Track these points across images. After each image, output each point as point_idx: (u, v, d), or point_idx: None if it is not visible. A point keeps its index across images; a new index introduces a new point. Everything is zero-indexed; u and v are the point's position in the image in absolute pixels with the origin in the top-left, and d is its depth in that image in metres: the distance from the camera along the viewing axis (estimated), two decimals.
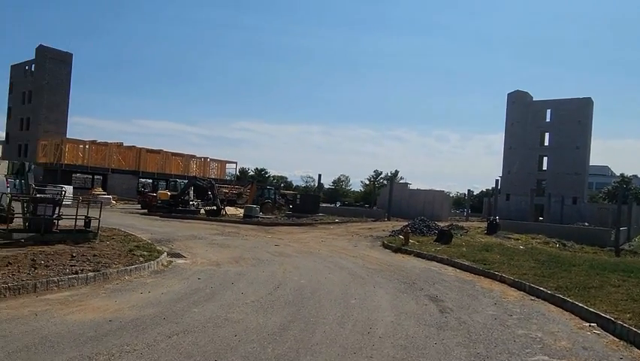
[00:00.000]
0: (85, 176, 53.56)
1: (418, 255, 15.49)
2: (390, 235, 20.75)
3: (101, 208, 13.75)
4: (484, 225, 26.90)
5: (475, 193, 72.48)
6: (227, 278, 9.93)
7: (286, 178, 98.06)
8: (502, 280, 11.36)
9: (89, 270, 8.64)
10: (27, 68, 58.25)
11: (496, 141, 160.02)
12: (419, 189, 43.45)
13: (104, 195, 40.69)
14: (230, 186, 42.75)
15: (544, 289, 9.80)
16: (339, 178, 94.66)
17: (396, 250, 16.60)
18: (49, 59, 56.07)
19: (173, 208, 29.50)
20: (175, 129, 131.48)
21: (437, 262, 14.39)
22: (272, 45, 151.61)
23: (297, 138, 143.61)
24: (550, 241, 21.10)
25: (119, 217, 25.20)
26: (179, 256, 12.86)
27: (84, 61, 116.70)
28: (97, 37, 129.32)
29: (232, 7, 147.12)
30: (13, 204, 14.25)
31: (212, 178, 47.77)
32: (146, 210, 30.64)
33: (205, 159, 57.41)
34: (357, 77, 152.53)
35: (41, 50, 56.27)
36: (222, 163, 59.59)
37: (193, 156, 56.35)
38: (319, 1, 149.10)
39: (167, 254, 12.57)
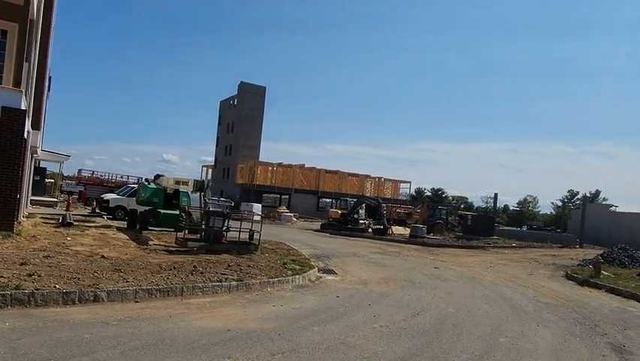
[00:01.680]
0: (274, 195, 59.43)
1: (612, 290, 12.58)
2: (578, 265, 17.54)
3: (262, 223, 14.71)
4: None
5: None
6: (367, 299, 9.43)
7: (466, 199, 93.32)
8: None
9: (233, 279, 9.12)
10: (231, 102, 67.85)
11: None
12: (625, 212, 36.15)
13: (287, 212, 44.33)
14: (397, 205, 42.20)
15: None
16: (525, 199, 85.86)
17: (583, 283, 13.83)
18: (248, 92, 64.35)
19: (343, 226, 30.34)
20: (357, 151, 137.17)
21: (638, 301, 11.44)
22: (454, 62, 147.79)
23: (480, 157, 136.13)
24: None
25: (293, 233, 26.92)
26: (330, 272, 12.87)
27: (276, 92, 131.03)
28: (287, 70, 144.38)
29: (415, 27, 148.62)
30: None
31: (385, 198, 47.99)
32: (319, 228, 32.21)
33: (379, 178, 58.16)
34: (549, 88, 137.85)
35: (242, 86, 64.98)
36: (396, 183, 59.55)
37: (368, 176, 57.64)
38: (500, 12, 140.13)
39: (319, 270, 12.69)
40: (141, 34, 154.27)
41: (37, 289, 6.57)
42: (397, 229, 31.13)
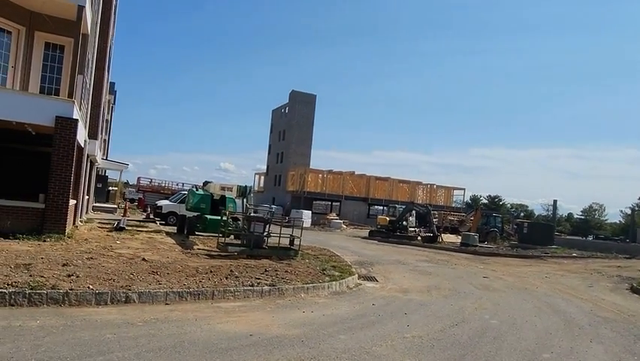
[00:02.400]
0: (324, 202, 59.49)
1: None
2: None
3: (302, 229, 14.60)
4: None
5: None
6: (404, 307, 9.04)
7: (526, 207, 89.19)
8: None
9: (266, 284, 9.03)
10: (282, 110, 68.92)
11: None
12: None
13: (337, 219, 44.17)
14: (446, 212, 40.81)
15: None
16: (590, 207, 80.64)
17: None
18: (298, 101, 65.09)
19: (391, 233, 29.74)
20: (410, 158, 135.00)
21: None
22: (509, 65, 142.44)
23: (541, 164, 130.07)
24: None
25: (340, 240, 26.69)
26: (371, 279, 12.54)
27: (327, 100, 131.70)
28: (337, 81, 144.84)
29: (466, 32, 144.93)
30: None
31: (437, 205, 46.60)
32: (367, 235, 31.77)
33: (431, 185, 56.70)
34: (615, 89, 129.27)
35: (293, 94, 65.87)
36: (449, 190, 57.78)
37: (419, 183, 56.33)
38: (558, 12, 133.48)
39: (360, 277, 12.40)
40: (198, 54, 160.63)
41: (71, 289, 6.77)
42: (449, 237, 30.12)
